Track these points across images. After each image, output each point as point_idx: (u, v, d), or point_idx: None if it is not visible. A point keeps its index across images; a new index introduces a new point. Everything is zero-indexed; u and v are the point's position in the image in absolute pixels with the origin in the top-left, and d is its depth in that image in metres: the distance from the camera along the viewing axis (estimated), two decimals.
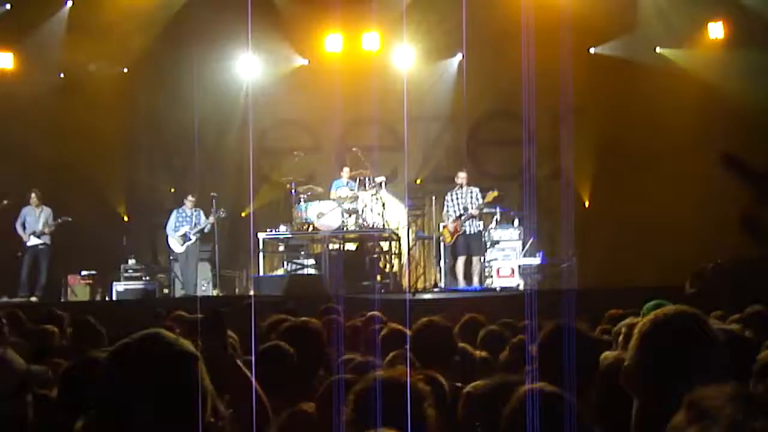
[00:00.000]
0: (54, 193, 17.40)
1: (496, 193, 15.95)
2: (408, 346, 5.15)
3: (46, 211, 16.53)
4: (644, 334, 3.04)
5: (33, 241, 16.37)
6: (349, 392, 3.31)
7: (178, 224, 16.90)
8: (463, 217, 15.83)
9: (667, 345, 2.99)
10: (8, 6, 18.29)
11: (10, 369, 3.81)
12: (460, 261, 15.86)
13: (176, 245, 16.87)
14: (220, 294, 17.05)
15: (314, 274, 16.49)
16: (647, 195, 17.24)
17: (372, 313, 7.25)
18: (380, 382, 3.16)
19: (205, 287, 17.20)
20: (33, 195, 16.55)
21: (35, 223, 16.41)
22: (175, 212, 17.06)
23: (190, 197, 17.05)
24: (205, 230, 16.95)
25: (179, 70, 18.69)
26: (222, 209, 16.85)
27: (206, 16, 18.37)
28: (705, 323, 3.09)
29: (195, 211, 16.98)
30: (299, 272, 17.19)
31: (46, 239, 16.49)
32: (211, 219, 16.74)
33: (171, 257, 17.43)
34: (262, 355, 4.75)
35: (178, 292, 16.87)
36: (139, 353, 2.26)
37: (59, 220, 16.49)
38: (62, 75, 18.94)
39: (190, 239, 16.80)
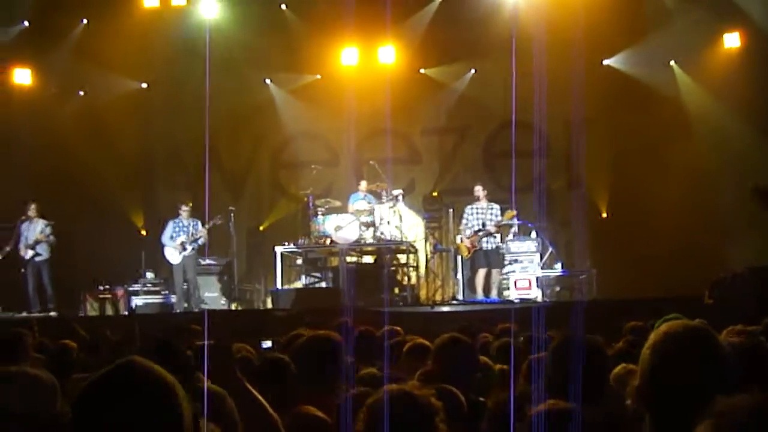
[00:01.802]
0: (72, 208, 17.50)
1: (514, 213, 15.96)
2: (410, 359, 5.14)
3: (41, 223, 16.46)
4: (652, 351, 3.03)
5: (29, 253, 16.39)
6: (361, 406, 3.31)
7: (174, 234, 16.54)
8: (480, 233, 15.80)
9: (675, 362, 2.98)
10: (26, 23, 18.47)
11: (46, 392, 3.75)
12: (480, 273, 15.83)
13: (173, 255, 16.49)
14: (239, 307, 17.06)
15: (332, 287, 16.48)
16: (665, 205, 17.18)
17: (393, 327, 7.24)
18: (390, 396, 3.16)
19: (224, 301, 17.18)
20: (32, 207, 16.49)
21: (31, 236, 16.42)
22: (171, 222, 16.67)
23: (184, 206, 16.70)
24: (200, 241, 16.55)
25: (197, 84, 18.75)
26: (219, 216, 16.58)
27: (223, 31, 18.52)
28: (714, 338, 3.07)
29: (192, 220, 16.64)
30: (317, 285, 17.20)
31: (42, 250, 16.44)
32: (207, 227, 16.44)
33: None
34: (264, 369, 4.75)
35: (180, 305, 16.52)
36: (115, 383, 2.19)
37: (48, 225, 16.38)
38: (82, 93, 19.09)
39: (187, 249, 16.49)
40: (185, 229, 16.52)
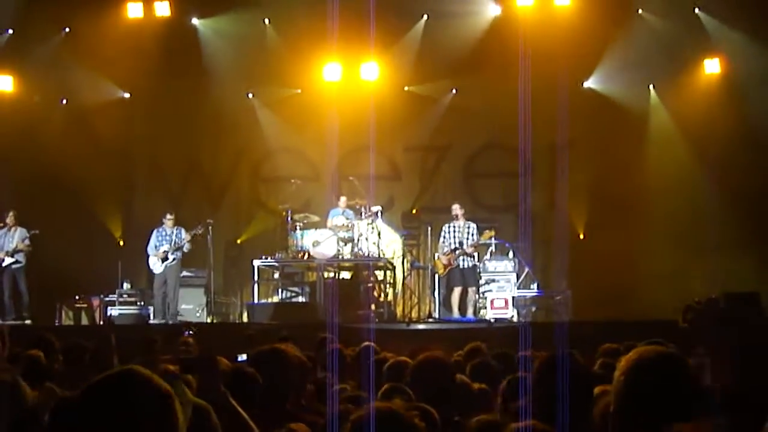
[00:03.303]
0: (50, 216, 17.42)
1: (493, 233, 16.05)
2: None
3: (21, 231, 16.38)
4: (625, 377, 3.06)
5: (7, 260, 16.30)
6: (344, 423, 3.31)
7: (158, 243, 16.52)
8: (457, 252, 15.84)
9: (647, 388, 3.01)
10: (11, 31, 18.44)
11: (21, 397, 3.75)
12: (456, 292, 15.86)
13: (156, 264, 16.46)
14: (215, 320, 17.00)
15: (308, 302, 16.46)
16: (642, 228, 17.31)
17: (366, 343, 7.24)
18: (375, 414, 3.16)
19: (199, 313, 17.12)
20: (10, 215, 16.41)
21: (9, 243, 16.33)
22: (155, 232, 16.65)
23: (168, 215, 16.67)
24: (185, 248, 16.53)
25: (179, 96, 18.78)
26: (200, 225, 16.59)
27: (207, 44, 18.57)
28: (685, 365, 3.11)
29: (176, 229, 16.60)
30: (293, 300, 17.17)
31: (20, 257, 16.37)
32: (188, 236, 16.42)
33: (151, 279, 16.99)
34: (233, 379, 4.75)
35: (157, 316, 16.39)
36: (113, 391, 2.20)
37: (30, 234, 16.34)
38: (64, 101, 19.06)
39: (169, 258, 16.45)
40: (168, 238, 16.49)
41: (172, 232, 16.55)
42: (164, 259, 16.37)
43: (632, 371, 3.05)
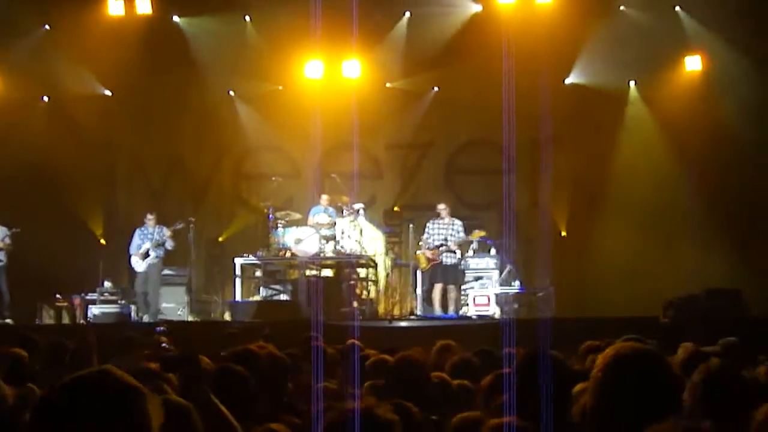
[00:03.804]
0: (31, 214, 17.34)
1: (483, 233, 16.07)
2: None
3: (1, 229, 16.37)
4: (603, 374, 3.06)
5: None
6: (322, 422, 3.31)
7: (140, 242, 16.58)
8: (442, 248, 15.85)
9: (625, 385, 3.01)
10: None
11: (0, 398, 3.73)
12: (437, 288, 15.89)
13: (138, 263, 16.52)
14: (196, 319, 16.96)
15: (290, 300, 16.44)
16: (623, 224, 17.37)
17: (351, 341, 7.24)
18: (352, 412, 3.17)
19: (181, 312, 17.08)
20: None
21: None
22: (137, 231, 16.73)
23: (149, 215, 16.75)
24: (167, 245, 16.58)
25: (160, 94, 18.73)
26: (179, 221, 16.64)
27: (188, 42, 18.53)
28: (663, 362, 3.11)
29: (157, 228, 16.66)
30: (275, 298, 17.15)
31: (1, 256, 16.34)
32: (169, 232, 16.50)
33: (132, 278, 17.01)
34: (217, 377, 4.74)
35: (140, 314, 16.45)
36: (86, 389, 2.21)
37: (11, 232, 16.32)
38: (46, 98, 18.99)
39: (150, 255, 16.48)
40: (150, 236, 16.53)
41: (154, 231, 16.55)
42: (146, 256, 16.35)
43: (609, 368, 3.05)
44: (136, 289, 16.60)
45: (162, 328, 11.86)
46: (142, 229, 16.70)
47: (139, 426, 2.19)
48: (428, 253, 15.94)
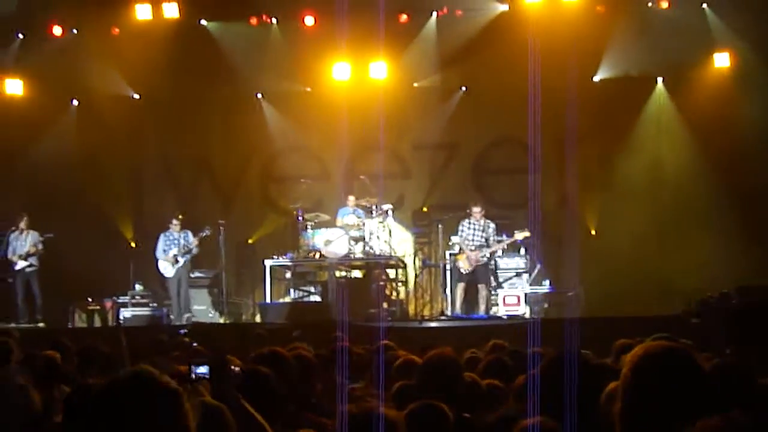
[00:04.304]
0: (62, 218, 17.48)
1: (527, 233, 15.86)
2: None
3: (33, 235, 16.53)
4: (632, 373, 3.04)
5: (21, 264, 16.41)
6: (352, 423, 3.31)
7: (166, 247, 16.64)
8: (486, 250, 15.67)
9: (655, 384, 2.98)
10: (21, 36, 18.57)
11: (30, 402, 3.77)
12: (460, 288, 15.75)
13: (167, 269, 16.62)
14: (227, 320, 17.03)
15: (320, 302, 16.46)
16: (653, 223, 17.28)
17: (383, 342, 7.24)
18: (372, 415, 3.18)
19: (212, 314, 17.17)
20: (24, 219, 16.53)
21: (22, 247, 16.46)
22: (162, 236, 16.77)
23: (174, 220, 16.80)
24: (193, 251, 16.70)
25: (188, 97, 18.83)
26: (206, 228, 16.66)
27: (216, 45, 18.62)
28: (693, 360, 3.08)
29: (183, 233, 16.72)
30: (305, 299, 17.17)
31: (34, 261, 16.50)
32: (196, 240, 16.57)
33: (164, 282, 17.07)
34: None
35: (177, 319, 16.47)
36: (126, 391, 2.23)
37: (43, 237, 16.47)
38: (75, 102, 19.15)
39: (180, 262, 16.58)
40: (176, 241, 16.59)
41: (179, 236, 16.65)
42: (175, 262, 16.45)
43: (638, 366, 3.04)
44: (171, 294, 16.71)
45: (185, 330, 11.93)
46: (167, 234, 16.77)
47: (179, 427, 2.21)
48: (472, 256, 15.68)
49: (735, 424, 2.22)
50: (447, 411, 4.25)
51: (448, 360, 5.28)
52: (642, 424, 2.96)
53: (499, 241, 15.87)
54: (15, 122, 18.28)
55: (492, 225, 15.98)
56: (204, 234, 16.57)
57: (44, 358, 7.09)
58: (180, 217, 16.88)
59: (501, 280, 16.31)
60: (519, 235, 15.81)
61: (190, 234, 16.65)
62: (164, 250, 16.64)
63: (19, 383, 4.25)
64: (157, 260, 16.73)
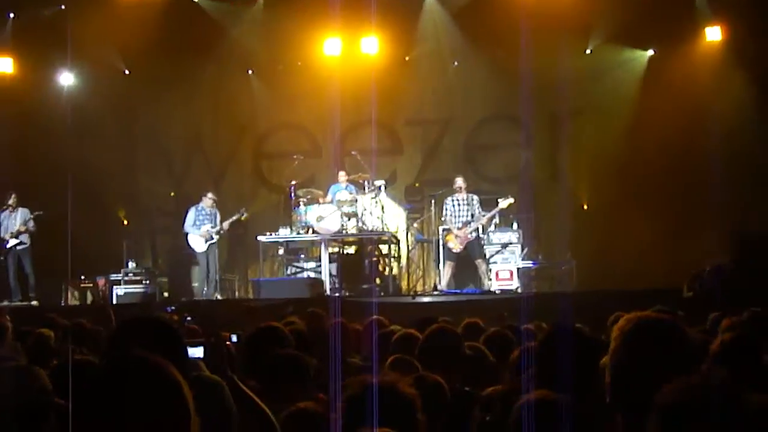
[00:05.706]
0: (53, 196, 17.41)
1: (512, 201, 15.86)
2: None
3: (24, 212, 16.47)
4: (621, 345, 3.05)
5: (11, 242, 16.38)
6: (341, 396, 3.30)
7: (198, 221, 16.60)
8: (472, 225, 15.67)
9: (642, 355, 2.99)
10: (12, 15, 18.44)
11: (38, 383, 3.74)
12: (449, 266, 15.76)
13: (199, 243, 16.56)
14: (220, 297, 17.02)
15: (314, 278, 16.46)
16: (646, 196, 17.25)
17: (374, 317, 7.24)
18: (370, 386, 3.16)
19: (205, 291, 17.17)
20: (12, 197, 16.48)
21: (12, 225, 16.41)
22: (193, 209, 16.71)
23: (209, 195, 16.79)
24: (221, 232, 16.76)
25: (179, 73, 18.74)
26: (244, 208, 16.87)
27: (205, 20, 18.50)
28: (681, 331, 3.09)
29: (214, 209, 16.77)
30: (298, 275, 17.16)
31: (25, 239, 16.46)
32: (227, 225, 16.73)
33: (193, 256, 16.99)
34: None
35: (198, 292, 16.73)
36: (120, 371, 2.17)
37: (33, 215, 16.43)
38: (65, 79, 19.01)
39: (214, 238, 16.59)
40: (209, 216, 16.62)
41: (212, 212, 16.68)
42: (208, 238, 16.47)
43: (626, 336, 3.04)
44: (201, 267, 16.71)
45: (172, 308, 11.92)
46: (199, 208, 16.73)
47: (177, 405, 2.17)
48: (460, 233, 15.65)
49: (710, 380, 2.24)
50: (443, 384, 4.24)
51: (450, 333, 5.28)
52: (627, 391, 2.97)
53: (485, 215, 15.83)
54: (5, 100, 18.15)
55: (476, 198, 15.95)
56: (241, 216, 16.79)
57: (36, 335, 7.09)
58: (210, 195, 16.85)
59: (493, 252, 16.26)
60: (503, 203, 15.78)
61: (218, 216, 16.73)
62: (195, 224, 16.61)
63: (18, 361, 4.24)
64: (186, 234, 16.68)
